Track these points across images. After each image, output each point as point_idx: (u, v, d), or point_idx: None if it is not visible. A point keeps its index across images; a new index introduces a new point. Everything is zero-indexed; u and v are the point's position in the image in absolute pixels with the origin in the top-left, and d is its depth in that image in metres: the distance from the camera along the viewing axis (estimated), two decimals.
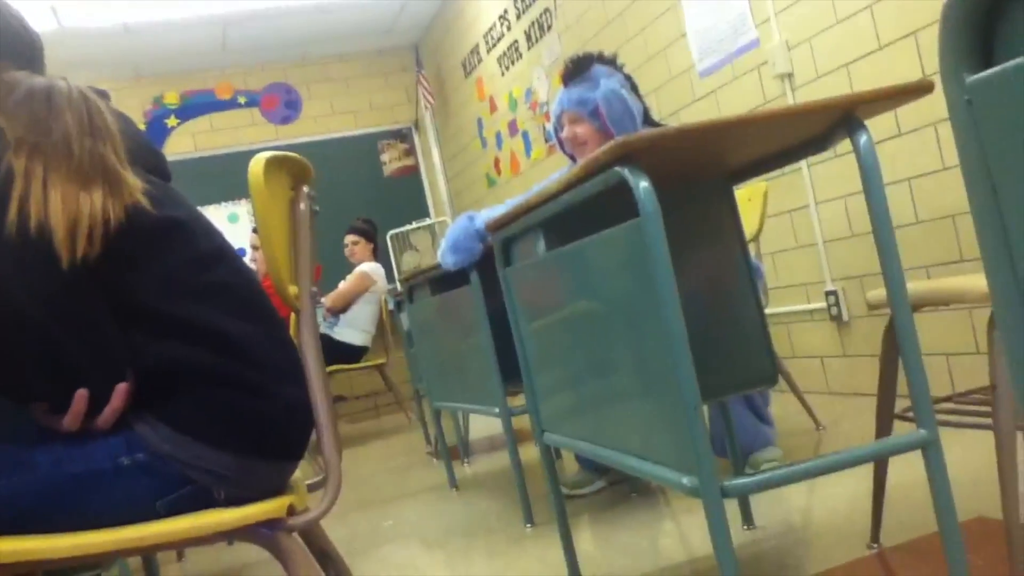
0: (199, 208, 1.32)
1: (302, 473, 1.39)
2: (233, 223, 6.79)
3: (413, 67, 7.26)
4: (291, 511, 1.23)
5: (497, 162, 6.32)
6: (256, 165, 1.30)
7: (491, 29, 6.00)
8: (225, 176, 6.56)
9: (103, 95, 1.25)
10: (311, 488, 1.40)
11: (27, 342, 1.14)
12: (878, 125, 2.87)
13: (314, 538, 1.42)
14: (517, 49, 5.67)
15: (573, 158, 2.59)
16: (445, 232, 2.47)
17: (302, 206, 1.43)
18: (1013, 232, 0.60)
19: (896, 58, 2.86)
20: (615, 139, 1.21)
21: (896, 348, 1.33)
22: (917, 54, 2.78)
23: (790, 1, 3.28)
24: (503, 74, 5.95)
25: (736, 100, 3.66)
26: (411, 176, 7.55)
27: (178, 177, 1.33)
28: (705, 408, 1.75)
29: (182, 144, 6.89)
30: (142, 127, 5.82)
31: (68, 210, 1.11)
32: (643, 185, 1.18)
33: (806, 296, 3.54)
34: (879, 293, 1.41)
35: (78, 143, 1.15)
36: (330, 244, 5.36)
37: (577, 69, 2.46)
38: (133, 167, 1.20)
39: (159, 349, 1.18)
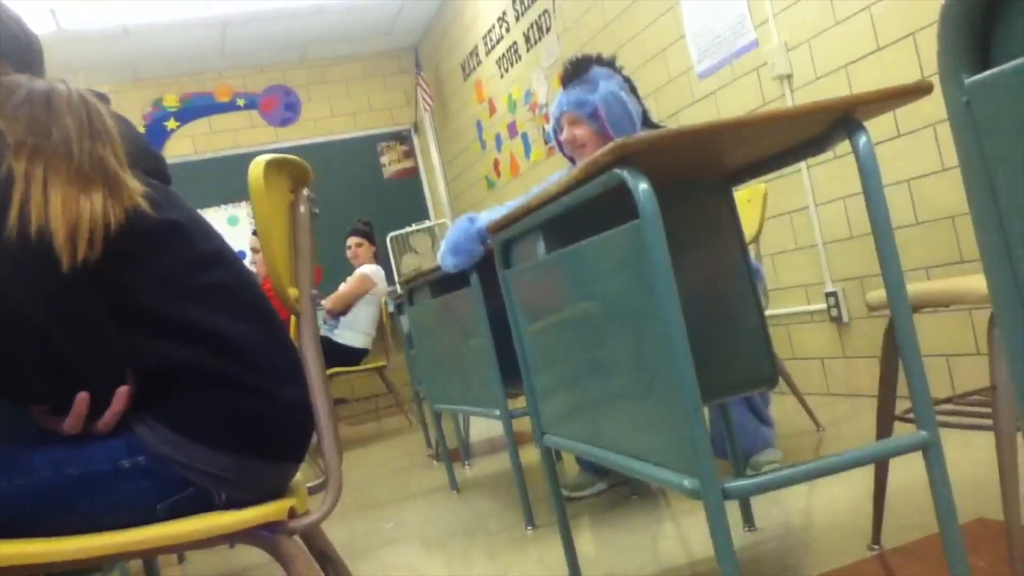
0: (199, 211, 1.32)
1: (303, 475, 1.39)
2: (233, 226, 6.79)
3: (412, 69, 7.27)
4: (292, 514, 1.23)
5: (497, 164, 6.32)
6: (256, 168, 1.30)
7: (490, 31, 6.00)
8: (225, 178, 6.57)
9: (103, 98, 1.25)
10: (312, 490, 1.40)
11: (27, 344, 1.14)
12: (877, 126, 2.87)
13: (315, 540, 1.42)
14: (516, 51, 5.68)
15: (572, 160, 2.59)
16: (445, 234, 2.47)
17: (302, 208, 1.43)
18: (1012, 233, 0.60)
19: (895, 59, 2.86)
20: (614, 141, 1.21)
21: (896, 349, 1.33)
22: (916, 55, 2.78)
23: (789, 2, 3.29)
24: (502, 76, 5.95)
25: (735, 101, 3.66)
26: (411, 178, 7.56)
27: (178, 180, 1.33)
28: (705, 410, 1.75)
29: (182, 147, 6.90)
30: (141, 130, 5.80)
31: (68, 213, 1.11)
32: (642, 187, 1.19)
33: (806, 297, 3.54)
34: (879, 294, 1.41)
35: (78, 146, 1.15)
36: (330, 246, 5.36)
37: (576, 71, 2.47)
38: (133, 170, 1.20)
39: (158, 350, 1.18)
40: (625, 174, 1.21)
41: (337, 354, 5.03)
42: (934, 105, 2.52)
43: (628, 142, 1.20)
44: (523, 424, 2.45)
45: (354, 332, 5.19)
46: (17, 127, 1.14)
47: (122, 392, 1.17)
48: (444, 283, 2.70)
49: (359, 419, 6.57)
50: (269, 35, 6.53)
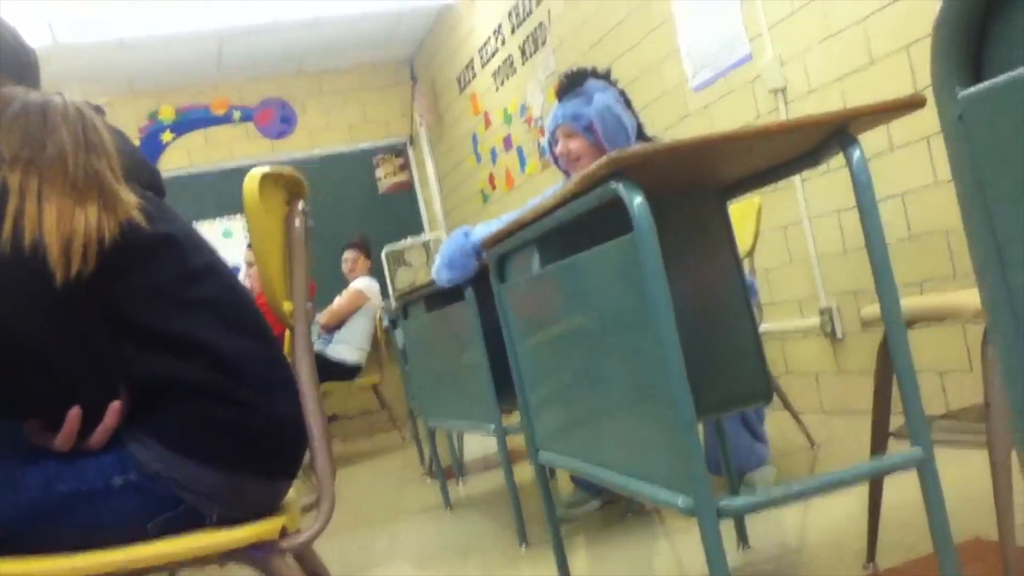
0: (194, 224, 1.32)
1: (295, 493, 1.37)
2: (228, 239, 6.78)
3: (408, 82, 7.28)
4: (284, 532, 1.22)
5: (492, 177, 6.33)
6: (251, 181, 1.30)
7: (485, 44, 6.02)
8: (220, 191, 6.56)
9: (99, 111, 1.25)
10: (304, 508, 1.38)
11: (20, 358, 1.13)
12: (871, 140, 2.87)
13: (307, 559, 1.41)
14: (511, 64, 5.69)
15: (567, 173, 2.59)
16: (440, 248, 2.46)
17: (297, 222, 1.43)
18: (1006, 247, 0.60)
19: (888, 73, 2.87)
20: (609, 154, 1.21)
21: (890, 365, 1.33)
22: (910, 69, 2.79)
23: (782, 16, 3.30)
24: (497, 89, 5.97)
25: (729, 115, 3.67)
26: (406, 192, 7.56)
27: (173, 193, 1.33)
28: (699, 426, 1.74)
29: (177, 159, 6.89)
30: (137, 142, 5.75)
31: (63, 227, 1.10)
32: (637, 200, 1.18)
33: (800, 312, 3.54)
34: (873, 309, 1.41)
35: (73, 159, 1.14)
36: (325, 260, 5.35)
37: (571, 84, 2.47)
38: (128, 183, 1.20)
39: (150, 364, 1.17)
40: (620, 187, 1.20)
41: (331, 369, 5.01)
42: (928, 119, 2.52)
43: (623, 155, 1.19)
44: (517, 441, 2.44)
45: (348, 347, 5.17)
46: (12, 139, 1.14)
47: (114, 407, 1.16)
48: (439, 297, 2.69)
49: (353, 435, 6.54)
50: (265, 48, 6.54)
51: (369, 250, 5.55)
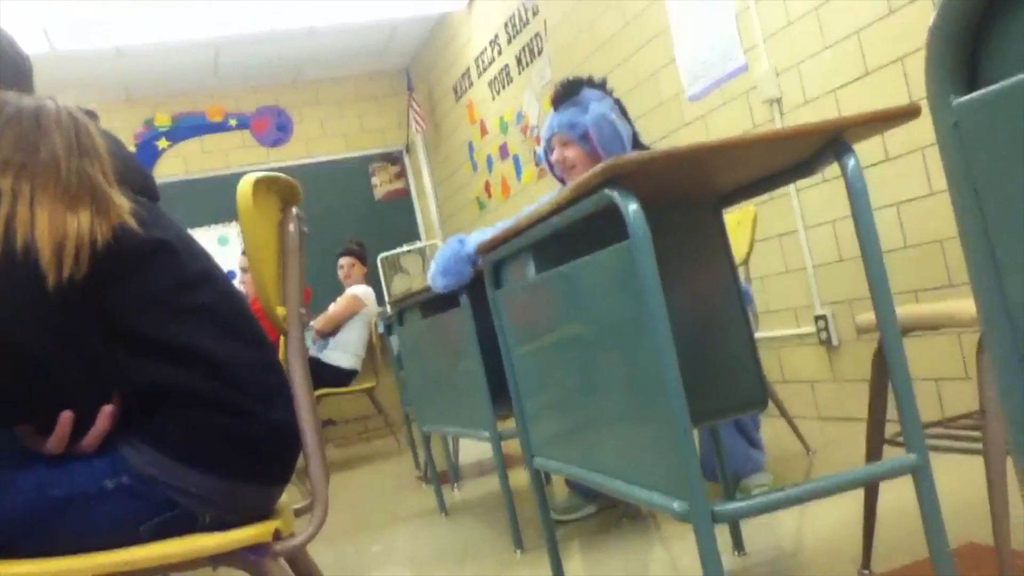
0: (189, 230, 1.32)
1: (289, 497, 1.37)
2: (223, 245, 6.77)
3: (404, 91, 7.29)
4: (277, 536, 1.22)
5: (488, 186, 6.33)
6: (245, 186, 1.29)
7: (482, 53, 6.03)
8: (216, 198, 6.55)
9: (91, 115, 1.25)
10: (298, 513, 1.38)
11: (13, 363, 1.13)
12: (866, 150, 2.88)
13: (300, 564, 1.40)
14: (508, 73, 5.71)
15: (563, 181, 2.59)
16: (435, 255, 2.46)
17: (291, 227, 1.43)
18: (1001, 255, 0.60)
19: (883, 84, 2.88)
20: (604, 161, 1.21)
21: (885, 372, 1.33)
22: (904, 80, 2.81)
23: (778, 27, 3.31)
24: (494, 98, 5.98)
25: (725, 125, 3.68)
26: (402, 199, 7.56)
27: (168, 199, 1.33)
28: (695, 432, 1.74)
29: (173, 166, 6.89)
30: (133, 149, 5.78)
31: (55, 230, 1.10)
32: (632, 207, 1.19)
33: (795, 320, 3.55)
34: (868, 317, 1.41)
35: (66, 163, 1.14)
36: (321, 267, 5.35)
37: (567, 93, 2.48)
38: (121, 187, 1.19)
39: (143, 370, 1.17)
40: (615, 195, 1.21)
41: (326, 375, 5.00)
42: (923, 130, 2.53)
43: (618, 162, 1.20)
44: (512, 446, 2.44)
45: (343, 353, 5.17)
46: (5, 144, 1.14)
47: (106, 411, 1.16)
48: (434, 304, 2.69)
49: (348, 441, 6.53)
50: (262, 56, 6.55)
51: (365, 257, 5.55)
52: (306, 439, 1.29)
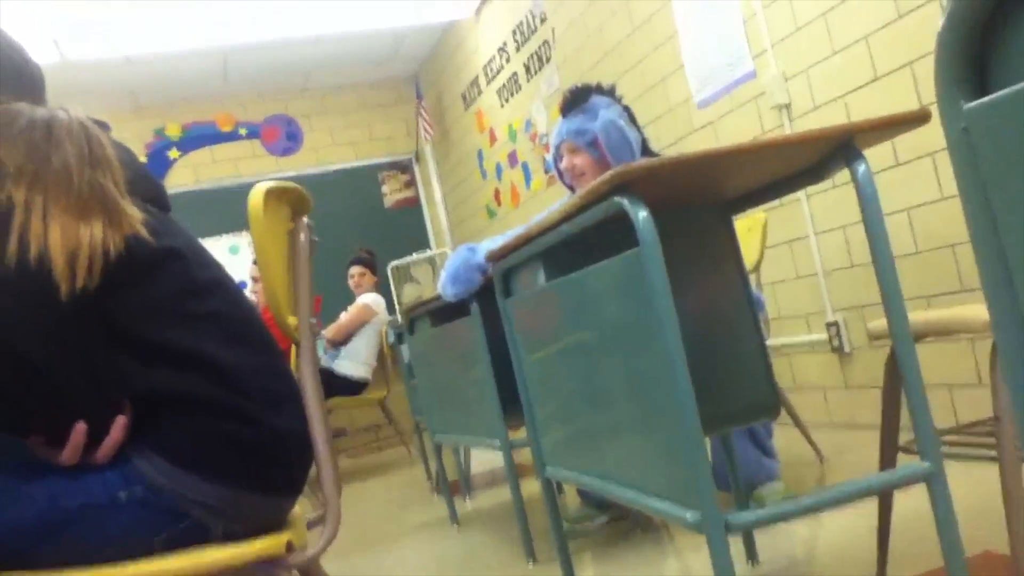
0: (200, 240, 1.32)
1: (301, 508, 1.37)
2: (234, 255, 6.80)
3: (413, 98, 7.31)
4: (290, 547, 1.21)
5: (497, 193, 6.34)
6: (255, 196, 1.30)
7: (490, 61, 6.05)
8: (226, 208, 6.58)
9: (103, 126, 1.25)
10: (310, 524, 1.38)
11: (26, 373, 1.13)
12: (876, 155, 2.87)
13: None
14: (516, 81, 5.72)
15: (572, 188, 2.59)
16: (445, 263, 2.46)
17: (301, 237, 1.43)
18: (1013, 260, 0.59)
19: (893, 89, 2.87)
20: (614, 168, 1.21)
21: (898, 379, 1.32)
22: (914, 85, 2.80)
23: (786, 32, 3.31)
24: (503, 106, 5.99)
25: (734, 131, 3.67)
26: (412, 207, 7.57)
27: (179, 209, 1.33)
28: (707, 441, 1.73)
29: (184, 176, 6.92)
30: (143, 159, 5.80)
31: (67, 241, 1.11)
32: (642, 214, 1.18)
33: (807, 327, 3.53)
34: (880, 324, 1.40)
35: (78, 173, 1.15)
36: (331, 275, 5.36)
37: (576, 100, 2.48)
38: (132, 197, 1.20)
39: (155, 378, 1.17)
40: (625, 202, 1.20)
41: (337, 385, 5.01)
42: (933, 135, 2.52)
43: (628, 169, 1.19)
44: (524, 455, 2.43)
45: (354, 362, 5.17)
46: (17, 155, 1.14)
47: (120, 422, 1.16)
48: (445, 312, 2.69)
49: (359, 451, 6.53)
50: (271, 64, 6.58)
51: (375, 266, 5.56)
52: (317, 449, 1.29)
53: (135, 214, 1.17)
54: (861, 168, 1.30)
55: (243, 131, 7.14)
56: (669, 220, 1.30)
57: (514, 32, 5.62)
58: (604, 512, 2.65)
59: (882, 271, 1.27)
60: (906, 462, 1.35)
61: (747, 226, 2.94)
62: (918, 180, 2.85)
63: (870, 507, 1.69)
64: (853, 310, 3.27)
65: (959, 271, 2.76)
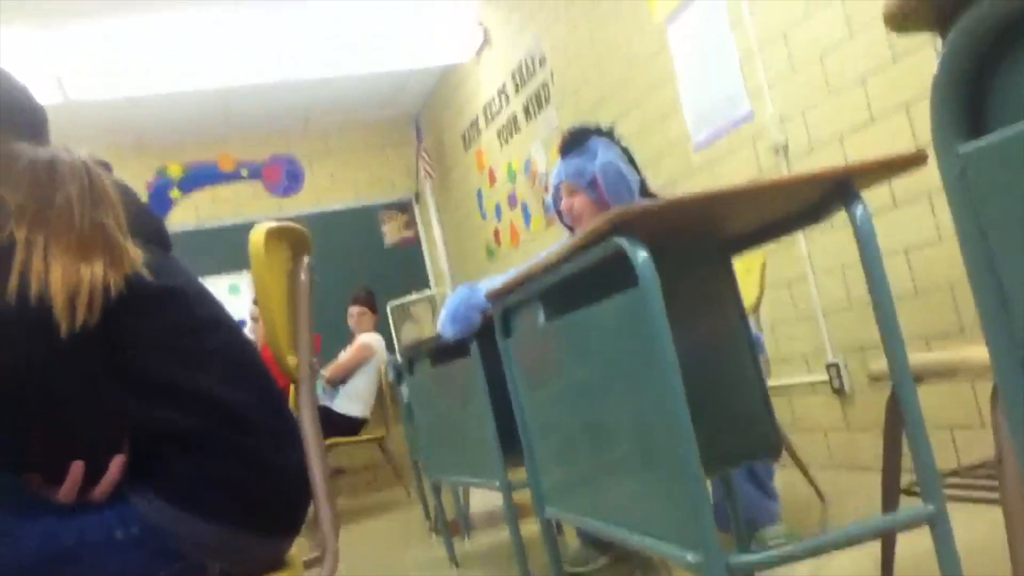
0: (200, 279, 1.32)
1: (298, 549, 1.36)
2: (235, 294, 6.80)
3: (413, 139, 7.37)
4: None
5: (497, 233, 6.36)
6: (257, 235, 1.31)
7: (490, 103, 6.11)
8: (227, 248, 6.59)
9: (106, 167, 1.26)
10: (308, 564, 1.37)
11: (24, 410, 1.13)
12: (873, 195, 2.89)
13: None
14: (516, 122, 5.77)
15: (572, 229, 2.60)
16: (444, 303, 2.47)
17: (302, 276, 1.43)
18: (1012, 301, 0.60)
19: (889, 131, 2.90)
20: (613, 209, 1.22)
21: (899, 421, 1.32)
22: (910, 127, 2.82)
23: (783, 74, 3.35)
24: (502, 147, 6.04)
25: (732, 172, 3.70)
26: (411, 247, 7.60)
27: (180, 248, 1.34)
28: (708, 482, 1.72)
29: (185, 216, 6.95)
30: (145, 198, 5.77)
31: (68, 280, 1.11)
32: (641, 255, 1.19)
33: (807, 368, 3.53)
34: (881, 365, 1.40)
35: (80, 213, 1.16)
36: (331, 315, 5.36)
37: (575, 141, 2.50)
38: (134, 237, 1.21)
39: (154, 416, 1.17)
40: (624, 242, 1.21)
41: (336, 424, 4.98)
42: (930, 175, 2.54)
43: (627, 210, 1.20)
44: (523, 496, 2.41)
45: (353, 401, 5.15)
46: (19, 194, 1.15)
47: (118, 460, 1.16)
48: (444, 352, 2.69)
49: (358, 490, 6.48)
50: (272, 105, 6.65)
51: (375, 305, 5.56)
52: (316, 489, 1.28)
53: (136, 254, 1.18)
54: (859, 210, 1.31)
55: (244, 171, 7.18)
56: (668, 260, 1.31)
57: (513, 74, 5.69)
58: (604, 553, 2.62)
59: (882, 313, 1.28)
60: (908, 504, 1.34)
61: (746, 266, 2.95)
62: (916, 220, 2.87)
63: (872, 546, 1.67)
64: (853, 351, 3.26)
65: (958, 311, 2.77)
